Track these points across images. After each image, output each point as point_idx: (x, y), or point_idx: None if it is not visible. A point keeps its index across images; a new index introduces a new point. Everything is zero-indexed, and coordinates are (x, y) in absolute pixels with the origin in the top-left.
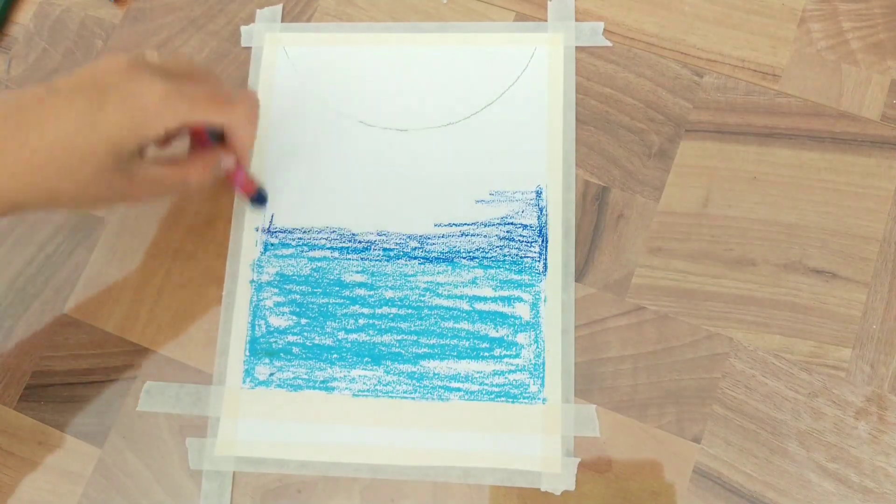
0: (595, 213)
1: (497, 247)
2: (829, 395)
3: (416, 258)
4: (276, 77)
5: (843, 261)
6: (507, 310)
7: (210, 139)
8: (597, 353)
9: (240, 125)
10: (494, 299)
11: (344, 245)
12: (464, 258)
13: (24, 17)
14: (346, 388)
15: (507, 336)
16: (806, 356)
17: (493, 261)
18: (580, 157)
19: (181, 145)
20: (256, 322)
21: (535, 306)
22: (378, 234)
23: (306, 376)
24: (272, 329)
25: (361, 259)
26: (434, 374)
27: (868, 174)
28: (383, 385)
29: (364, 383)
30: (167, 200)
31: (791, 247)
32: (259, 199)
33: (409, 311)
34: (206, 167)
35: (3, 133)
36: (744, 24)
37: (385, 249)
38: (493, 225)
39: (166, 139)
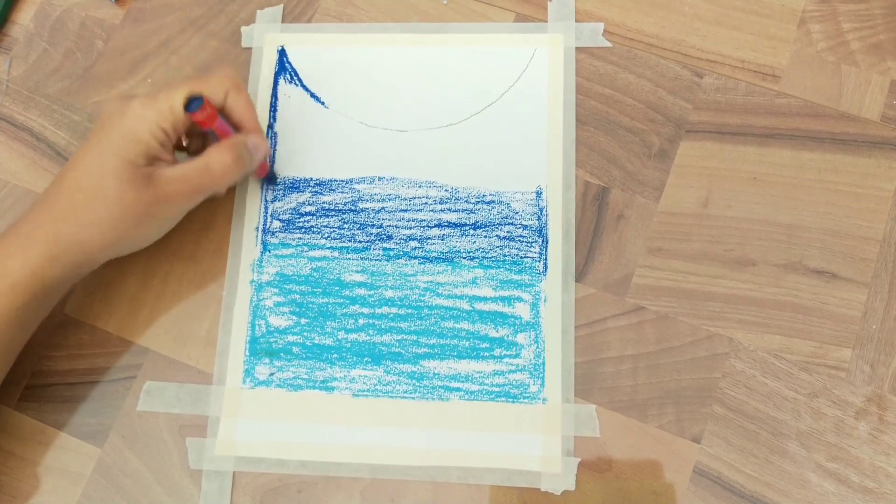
0: (595, 213)
1: (497, 247)
2: (829, 396)
3: (416, 258)
4: (276, 77)
5: (843, 261)
6: (507, 310)
7: (225, 125)
8: (597, 353)
9: (222, 88)
10: (494, 299)
11: (344, 245)
12: (464, 258)
13: (24, 17)
14: (346, 388)
15: (508, 336)
16: (806, 356)
17: (493, 261)
18: (580, 158)
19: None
20: (256, 322)
21: (535, 306)
22: (378, 234)
23: (306, 376)
24: (272, 329)
25: (361, 259)
26: (434, 374)
27: (868, 174)
28: (383, 385)
29: (364, 383)
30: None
31: (791, 247)
32: (272, 177)
33: (410, 310)
34: (223, 150)
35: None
36: (744, 24)
37: (385, 249)
38: (493, 225)
39: (178, 142)
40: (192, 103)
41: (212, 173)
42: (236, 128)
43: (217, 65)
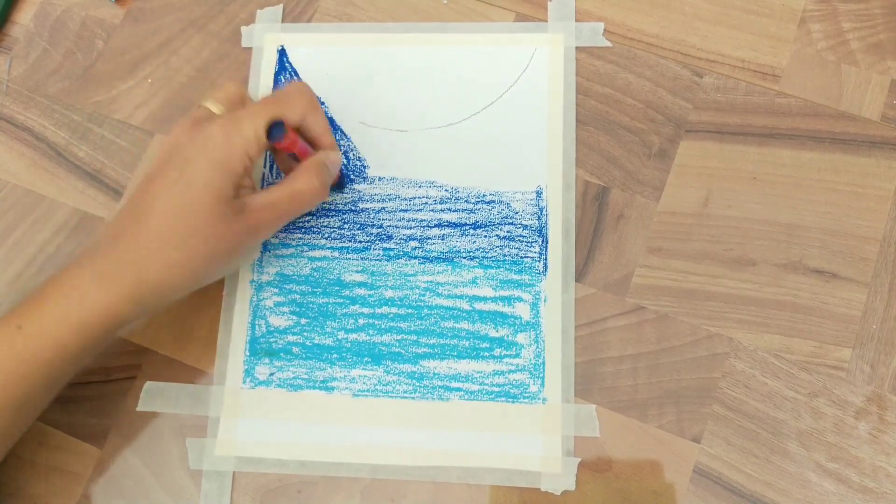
0: (595, 213)
1: (497, 247)
2: (829, 395)
3: (416, 258)
4: (276, 77)
5: (843, 261)
6: (507, 310)
7: (306, 146)
8: (597, 353)
9: (301, 110)
10: (494, 299)
11: (344, 245)
12: (464, 258)
13: (24, 17)
14: (346, 388)
15: (508, 336)
16: (806, 356)
17: (493, 261)
18: (580, 157)
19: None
20: (256, 322)
21: (535, 306)
22: (378, 234)
23: (306, 376)
24: (272, 329)
25: (361, 259)
26: (434, 373)
27: (868, 174)
28: (383, 385)
29: (364, 383)
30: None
31: (791, 247)
32: (342, 183)
33: (409, 310)
34: (310, 174)
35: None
36: (744, 24)
37: (385, 249)
38: (493, 225)
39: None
40: (275, 130)
41: (301, 197)
42: (312, 145)
43: (290, 84)
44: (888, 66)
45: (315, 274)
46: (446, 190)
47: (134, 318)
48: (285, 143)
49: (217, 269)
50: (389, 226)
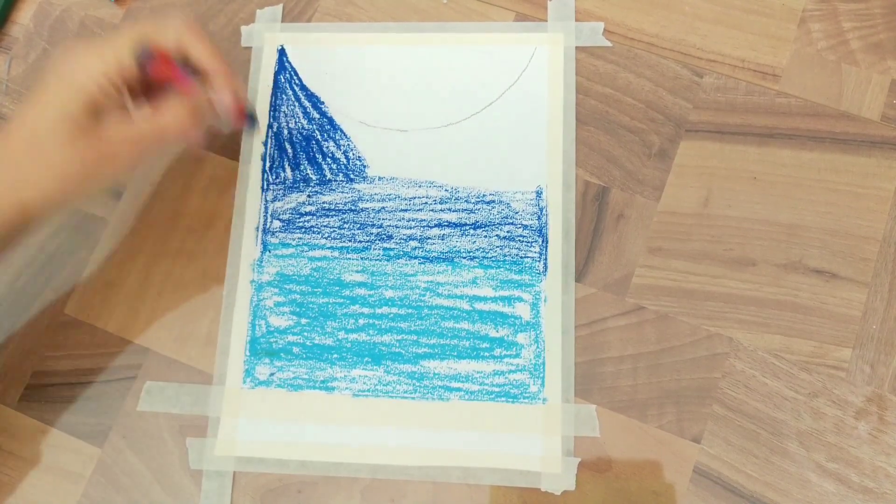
0: (595, 213)
1: (497, 247)
2: (829, 395)
3: (416, 258)
4: (276, 77)
5: (843, 261)
6: (507, 310)
7: (183, 74)
8: (597, 353)
9: (175, 35)
10: (494, 299)
11: (344, 245)
12: (464, 258)
13: (24, 17)
14: (347, 388)
15: (508, 336)
16: (806, 356)
17: (493, 261)
18: (580, 157)
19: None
20: (256, 322)
21: (535, 306)
22: (378, 233)
23: (306, 376)
24: (272, 329)
25: (361, 259)
26: (434, 373)
27: (868, 174)
28: (383, 385)
29: (364, 383)
30: (171, 192)
31: (791, 247)
32: (250, 120)
33: (410, 310)
34: (177, 106)
35: None
36: (744, 24)
37: (385, 249)
38: (493, 225)
39: (131, 91)
40: (142, 54)
41: (164, 132)
42: (201, 75)
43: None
44: (888, 66)
45: (315, 274)
46: (446, 190)
47: (17, 226)
48: (155, 70)
49: (70, 195)
50: (389, 226)
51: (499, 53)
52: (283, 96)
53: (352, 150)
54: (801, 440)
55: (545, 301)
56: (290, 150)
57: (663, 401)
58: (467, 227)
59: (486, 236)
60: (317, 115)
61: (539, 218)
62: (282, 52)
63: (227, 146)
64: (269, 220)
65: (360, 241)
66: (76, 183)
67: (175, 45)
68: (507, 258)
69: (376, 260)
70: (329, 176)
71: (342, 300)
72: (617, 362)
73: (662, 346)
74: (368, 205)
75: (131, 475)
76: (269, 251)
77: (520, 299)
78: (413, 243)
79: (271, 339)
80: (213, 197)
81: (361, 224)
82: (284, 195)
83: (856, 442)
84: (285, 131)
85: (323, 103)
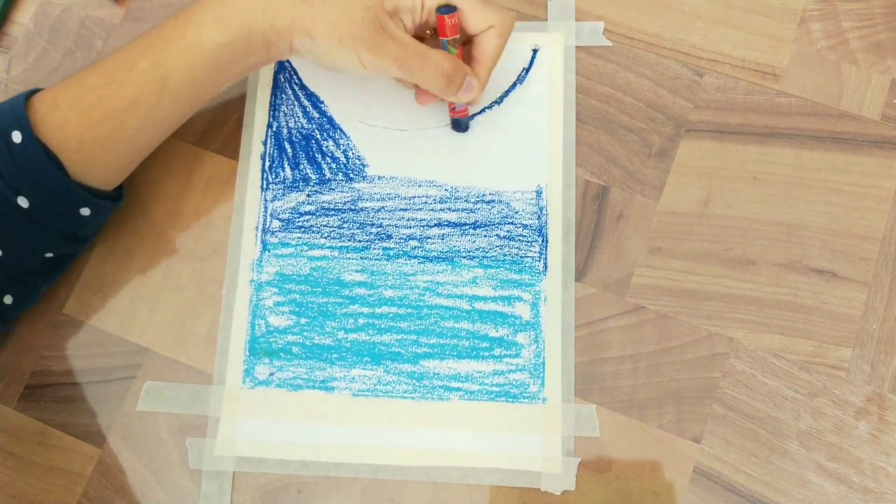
0: (595, 212)
1: (497, 246)
2: (829, 395)
3: (415, 257)
4: (276, 77)
5: (843, 261)
6: (507, 309)
7: (460, 49)
8: (597, 353)
9: (489, 20)
10: (494, 299)
11: (343, 244)
12: (464, 257)
13: (24, 17)
14: (346, 388)
15: (508, 336)
16: (806, 356)
17: (493, 260)
18: (580, 157)
19: None
20: (256, 322)
21: (535, 306)
22: (378, 233)
23: (306, 376)
24: (272, 329)
25: (361, 258)
26: (434, 373)
27: (868, 174)
28: (383, 385)
29: (364, 383)
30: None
31: (791, 247)
32: (458, 125)
33: (409, 310)
34: (447, 59)
35: None
36: (744, 23)
37: (385, 249)
38: (493, 224)
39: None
40: (447, 8)
41: (424, 66)
42: (471, 63)
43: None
44: (888, 66)
45: (315, 273)
46: (446, 189)
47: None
48: (448, 24)
49: (329, 47)
50: (389, 225)
51: None
52: (283, 95)
53: (351, 149)
54: (801, 440)
55: (545, 301)
56: (289, 150)
57: (663, 401)
58: (467, 227)
59: (485, 236)
60: (316, 115)
61: (539, 217)
62: None
63: (227, 145)
64: (268, 219)
65: (360, 241)
66: (345, 44)
67: (480, 25)
68: (506, 258)
69: (376, 259)
70: (328, 175)
71: (342, 300)
72: (617, 362)
73: (662, 345)
74: (368, 204)
75: (131, 475)
76: (269, 251)
77: (520, 299)
78: (413, 243)
79: (271, 339)
80: (212, 196)
81: (361, 223)
82: (284, 194)
83: (856, 442)
84: (285, 130)
85: (322, 102)
